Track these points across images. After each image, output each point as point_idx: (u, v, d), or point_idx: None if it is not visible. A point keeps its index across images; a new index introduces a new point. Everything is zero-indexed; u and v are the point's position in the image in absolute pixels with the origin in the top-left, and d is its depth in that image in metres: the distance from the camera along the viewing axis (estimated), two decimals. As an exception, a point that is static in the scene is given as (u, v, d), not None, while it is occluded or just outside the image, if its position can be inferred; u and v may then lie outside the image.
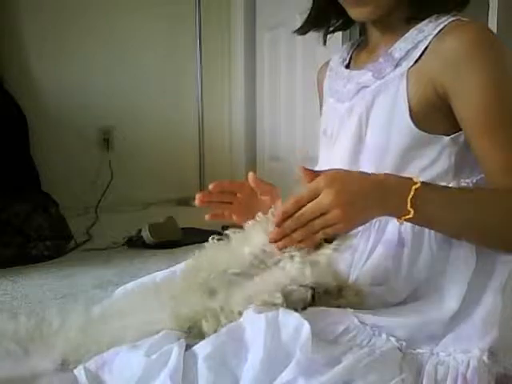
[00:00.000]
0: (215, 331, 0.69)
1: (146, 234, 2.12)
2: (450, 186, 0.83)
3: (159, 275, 0.98)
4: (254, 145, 3.25)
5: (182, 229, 2.24)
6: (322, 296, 0.74)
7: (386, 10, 0.86)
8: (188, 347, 0.68)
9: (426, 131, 0.83)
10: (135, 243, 2.14)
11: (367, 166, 0.86)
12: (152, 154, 3.08)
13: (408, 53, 0.85)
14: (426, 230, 0.81)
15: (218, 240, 0.85)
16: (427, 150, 0.83)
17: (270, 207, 0.79)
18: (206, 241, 0.86)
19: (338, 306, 0.74)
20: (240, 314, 0.71)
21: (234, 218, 0.99)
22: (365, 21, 0.93)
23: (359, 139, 0.89)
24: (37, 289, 1.63)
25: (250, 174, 0.93)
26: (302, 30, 1.01)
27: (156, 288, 0.90)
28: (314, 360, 0.64)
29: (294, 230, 0.73)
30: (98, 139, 2.97)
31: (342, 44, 1.10)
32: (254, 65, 3.18)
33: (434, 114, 0.83)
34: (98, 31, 2.89)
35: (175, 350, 0.67)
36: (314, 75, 1.12)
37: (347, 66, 0.99)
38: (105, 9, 2.88)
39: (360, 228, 0.81)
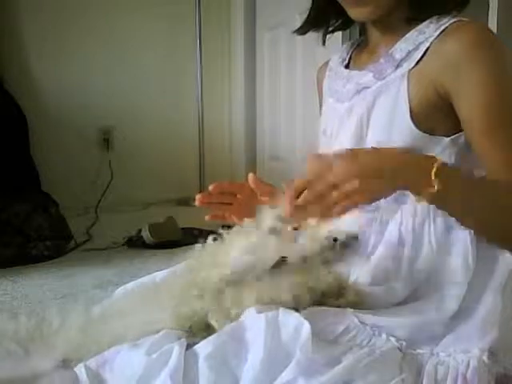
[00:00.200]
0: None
1: (145, 234, 2.12)
2: None
3: (159, 275, 0.98)
4: (254, 145, 3.25)
5: (182, 229, 2.24)
6: (321, 296, 0.74)
7: (385, 10, 0.87)
8: (189, 346, 0.69)
9: (426, 132, 0.83)
10: (135, 243, 2.14)
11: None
12: (152, 154, 3.08)
13: (409, 54, 0.85)
14: (426, 230, 0.81)
15: (215, 240, 0.85)
16: (427, 151, 0.83)
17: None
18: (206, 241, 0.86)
19: (338, 306, 0.74)
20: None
21: (234, 218, 0.99)
22: (365, 21, 0.93)
23: (359, 139, 0.89)
24: (37, 289, 1.62)
25: (250, 175, 0.93)
26: (302, 30, 1.02)
27: (156, 288, 0.90)
28: (313, 360, 0.64)
29: (309, 203, 0.69)
30: (98, 139, 2.97)
31: (342, 44, 1.10)
32: (254, 65, 3.18)
33: (434, 115, 0.83)
34: (98, 31, 2.89)
35: (176, 350, 0.67)
36: (313, 75, 1.13)
37: (347, 66, 0.99)
38: (105, 9, 2.88)
39: (361, 228, 0.80)
